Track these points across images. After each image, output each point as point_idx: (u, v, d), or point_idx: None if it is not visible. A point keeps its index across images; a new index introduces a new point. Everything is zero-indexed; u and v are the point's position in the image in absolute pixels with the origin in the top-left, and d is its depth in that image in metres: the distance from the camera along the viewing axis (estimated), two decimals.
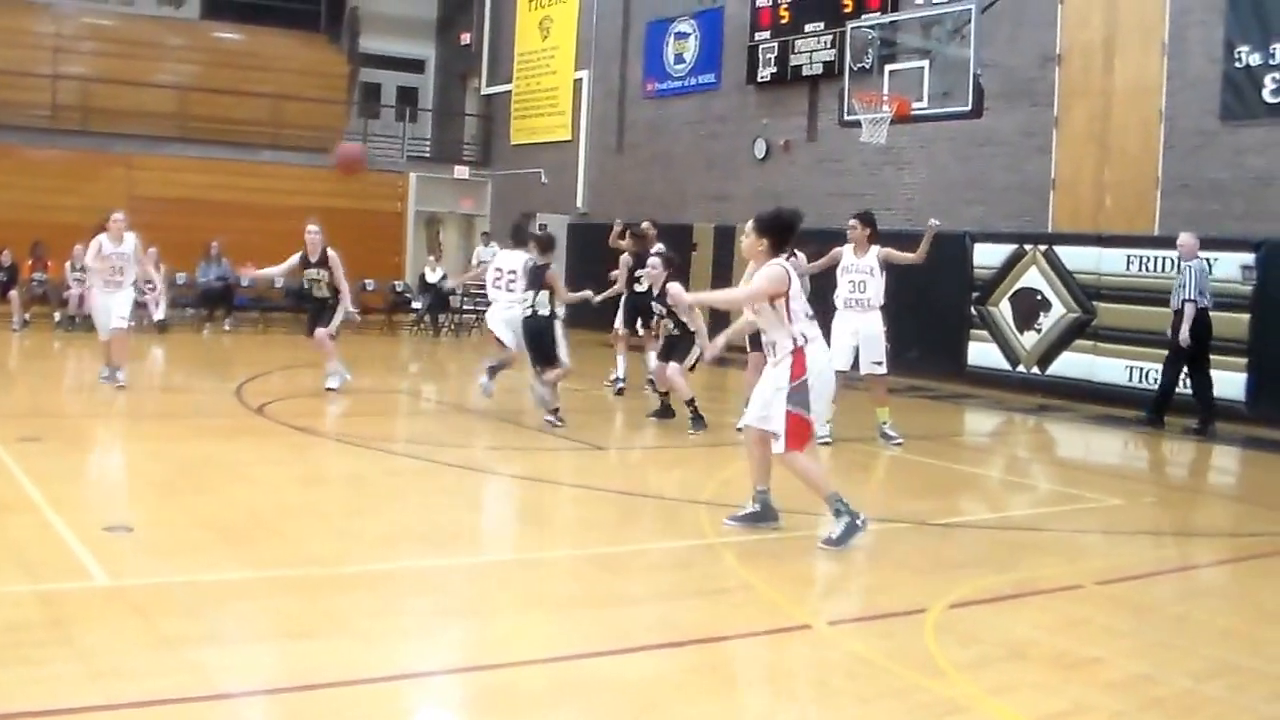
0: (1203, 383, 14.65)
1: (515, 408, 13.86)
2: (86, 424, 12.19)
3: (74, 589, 6.17)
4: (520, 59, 30.10)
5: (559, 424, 12.38)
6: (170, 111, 28.08)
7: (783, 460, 7.75)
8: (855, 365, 12.17)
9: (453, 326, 24.80)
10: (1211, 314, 14.53)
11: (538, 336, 12.57)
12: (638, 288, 15.12)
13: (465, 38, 32.50)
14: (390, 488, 9.53)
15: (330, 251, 14.27)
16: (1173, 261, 15.37)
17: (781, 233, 7.86)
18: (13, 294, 21.42)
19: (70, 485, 8.96)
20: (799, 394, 7.60)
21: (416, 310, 25.21)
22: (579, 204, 27.64)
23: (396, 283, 27.35)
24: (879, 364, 12.28)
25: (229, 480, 9.34)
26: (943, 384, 18.27)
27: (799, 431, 7.64)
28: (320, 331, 14.28)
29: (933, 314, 18.28)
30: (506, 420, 13.30)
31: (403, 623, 5.91)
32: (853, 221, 12.40)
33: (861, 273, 12.28)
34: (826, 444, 11.59)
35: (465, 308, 25.54)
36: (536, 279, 12.59)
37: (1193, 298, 14.32)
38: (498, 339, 13.82)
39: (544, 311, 12.48)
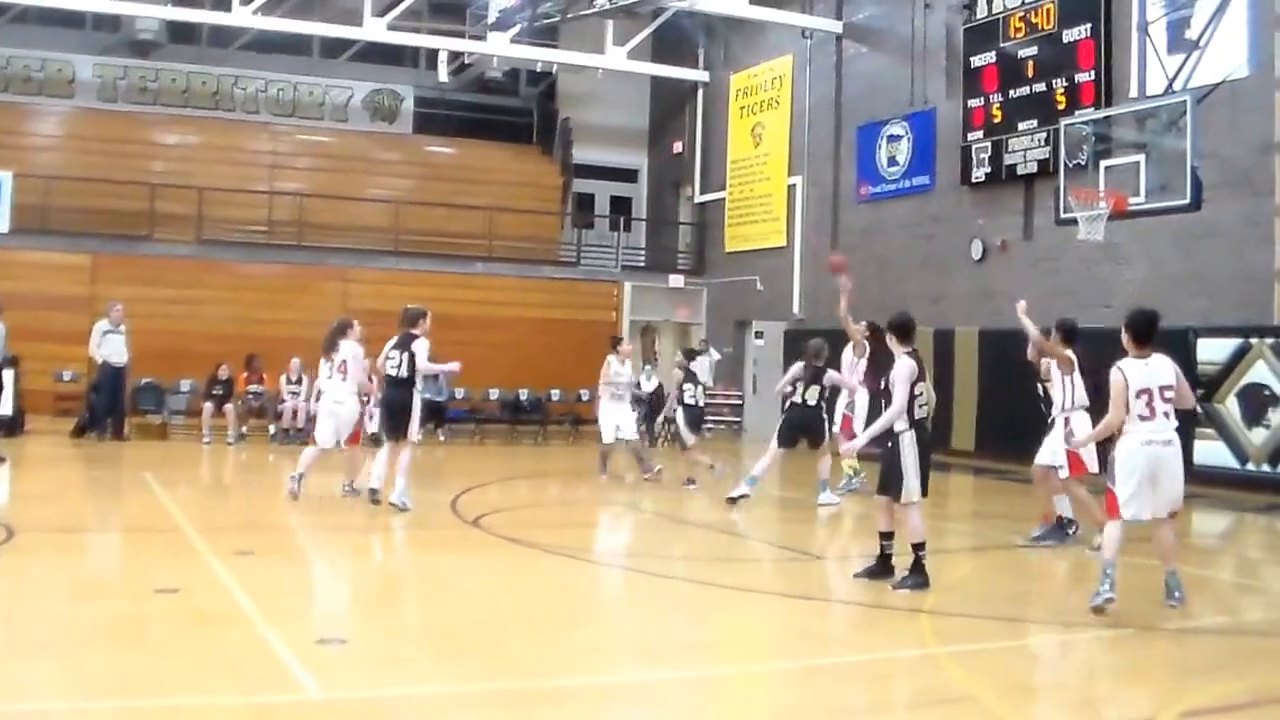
0: None
1: (727, 518, 13.90)
2: (300, 537, 12.30)
3: (286, 701, 6.23)
4: (733, 166, 30.48)
5: None
6: (384, 225, 28.91)
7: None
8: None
9: (669, 436, 24.91)
10: None
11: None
12: None
13: (677, 146, 33.01)
14: (605, 600, 9.61)
15: None
16: None
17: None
18: (228, 407, 21.74)
19: (284, 598, 9.07)
20: None
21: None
22: (795, 310, 27.65)
23: None
24: None
25: (443, 592, 9.52)
26: None
27: None
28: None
29: None
30: (721, 530, 13.36)
31: None
32: None
33: None
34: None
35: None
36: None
37: None
38: None
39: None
